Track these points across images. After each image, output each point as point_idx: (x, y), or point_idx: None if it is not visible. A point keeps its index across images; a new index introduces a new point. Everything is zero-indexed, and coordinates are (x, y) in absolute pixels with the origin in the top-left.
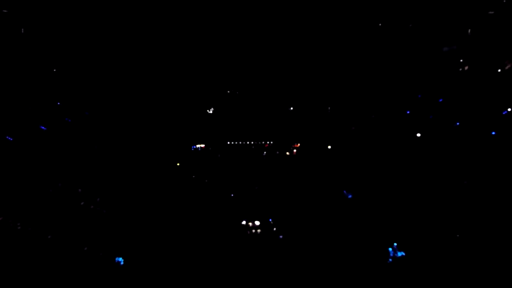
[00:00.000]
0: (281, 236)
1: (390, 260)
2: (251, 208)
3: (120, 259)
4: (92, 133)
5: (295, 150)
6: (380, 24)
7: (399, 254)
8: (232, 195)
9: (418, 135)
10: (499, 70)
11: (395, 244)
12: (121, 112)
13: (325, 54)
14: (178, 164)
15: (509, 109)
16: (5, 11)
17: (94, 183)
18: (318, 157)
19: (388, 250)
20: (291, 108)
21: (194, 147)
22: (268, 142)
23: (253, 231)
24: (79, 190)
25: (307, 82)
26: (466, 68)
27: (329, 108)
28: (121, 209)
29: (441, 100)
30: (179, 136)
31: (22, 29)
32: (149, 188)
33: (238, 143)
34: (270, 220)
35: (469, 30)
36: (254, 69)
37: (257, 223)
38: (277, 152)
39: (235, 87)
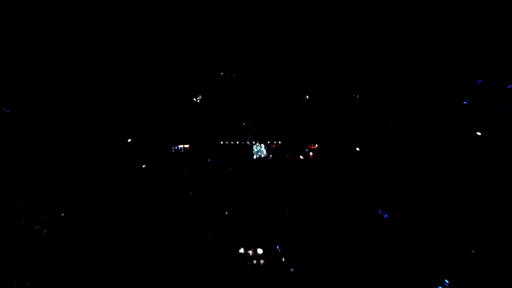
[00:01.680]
0: (292, 270)
1: None
2: (251, 231)
3: None
4: (39, 128)
5: (311, 153)
6: None
7: None
8: (226, 213)
9: (479, 133)
10: None
11: (446, 281)
12: (77, 100)
13: (356, 32)
14: (144, 166)
15: None
16: None
17: (40, 196)
18: (342, 162)
19: None
20: (307, 97)
21: (175, 148)
22: (275, 142)
23: (254, 262)
24: (20, 204)
25: (328, 61)
26: None
27: (357, 96)
28: (74, 233)
29: (510, 87)
30: (153, 132)
31: None
32: (112, 204)
33: (235, 143)
34: (278, 247)
35: None
36: (256, 46)
37: (259, 251)
38: (287, 156)
39: (230, 67)
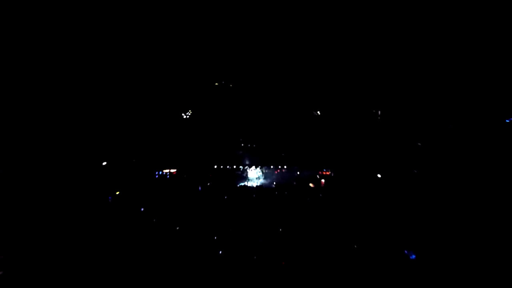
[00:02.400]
0: None
1: None
2: (251, 276)
3: None
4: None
5: (323, 180)
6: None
7: None
8: (220, 252)
9: None
10: None
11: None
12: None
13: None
14: (117, 193)
15: None
16: None
17: None
18: (360, 192)
19: None
20: (318, 112)
21: (160, 173)
22: (279, 167)
23: None
24: None
25: (345, 68)
26: None
27: (378, 112)
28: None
29: None
30: (133, 153)
31: None
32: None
33: (231, 167)
34: None
35: None
36: (257, 49)
37: None
38: (294, 183)
39: (226, 75)
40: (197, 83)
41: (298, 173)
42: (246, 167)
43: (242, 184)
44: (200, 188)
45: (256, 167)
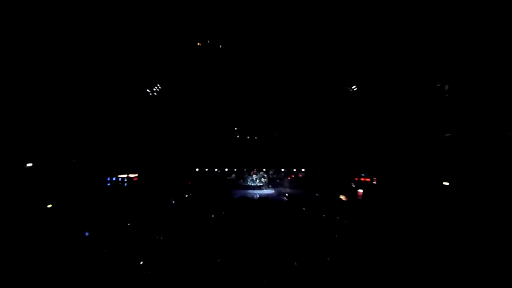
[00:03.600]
0: None
1: None
2: None
3: None
4: None
5: (360, 191)
6: None
7: None
8: None
9: None
10: None
11: None
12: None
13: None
14: (49, 206)
15: None
16: None
17: None
18: (416, 207)
19: None
20: (354, 87)
21: (113, 179)
22: (294, 170)
23: None
24: None
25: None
26: None
27: (445, 87)
28: None
29: None
30: (73, 151)
31: None
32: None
33: (223, 171)
34: None
35: None
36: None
37: None
38: (317, 195)
39: (216, 33)
40: (169, 42)
41: (322, 180)
42: (244, 170)
43: (239, 196)
44: (174, 201)
45: (259, 171)
